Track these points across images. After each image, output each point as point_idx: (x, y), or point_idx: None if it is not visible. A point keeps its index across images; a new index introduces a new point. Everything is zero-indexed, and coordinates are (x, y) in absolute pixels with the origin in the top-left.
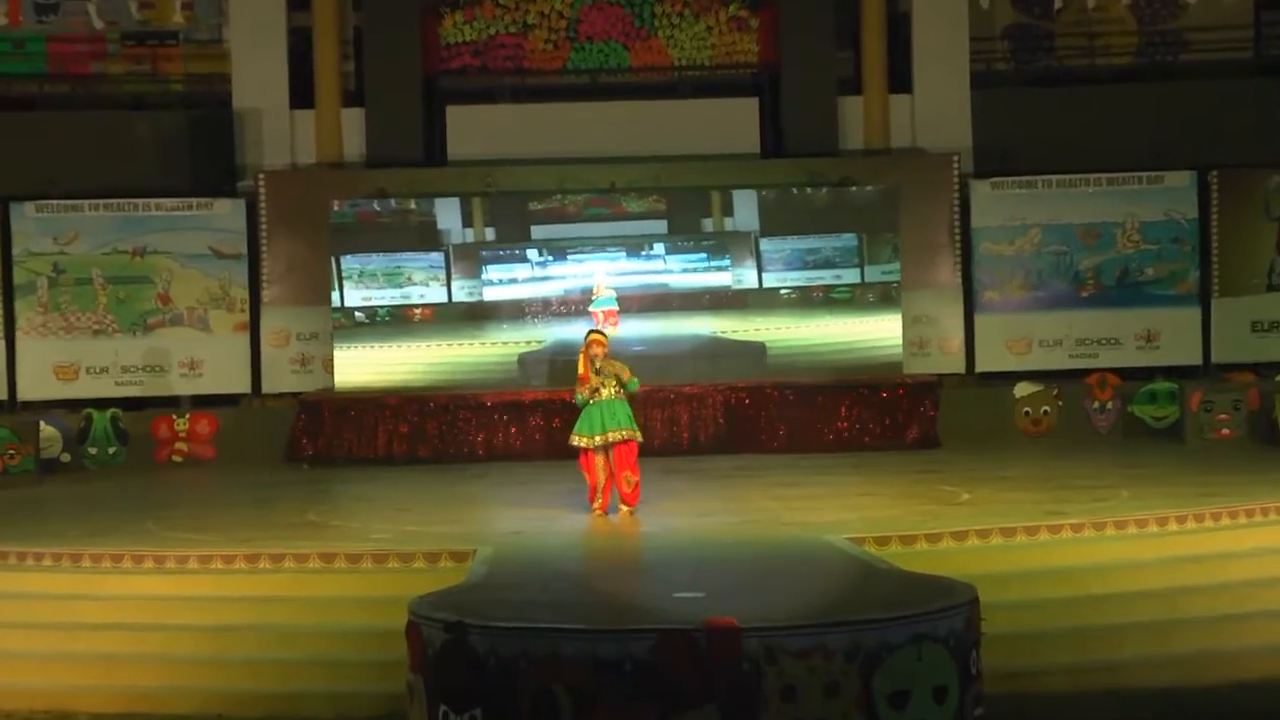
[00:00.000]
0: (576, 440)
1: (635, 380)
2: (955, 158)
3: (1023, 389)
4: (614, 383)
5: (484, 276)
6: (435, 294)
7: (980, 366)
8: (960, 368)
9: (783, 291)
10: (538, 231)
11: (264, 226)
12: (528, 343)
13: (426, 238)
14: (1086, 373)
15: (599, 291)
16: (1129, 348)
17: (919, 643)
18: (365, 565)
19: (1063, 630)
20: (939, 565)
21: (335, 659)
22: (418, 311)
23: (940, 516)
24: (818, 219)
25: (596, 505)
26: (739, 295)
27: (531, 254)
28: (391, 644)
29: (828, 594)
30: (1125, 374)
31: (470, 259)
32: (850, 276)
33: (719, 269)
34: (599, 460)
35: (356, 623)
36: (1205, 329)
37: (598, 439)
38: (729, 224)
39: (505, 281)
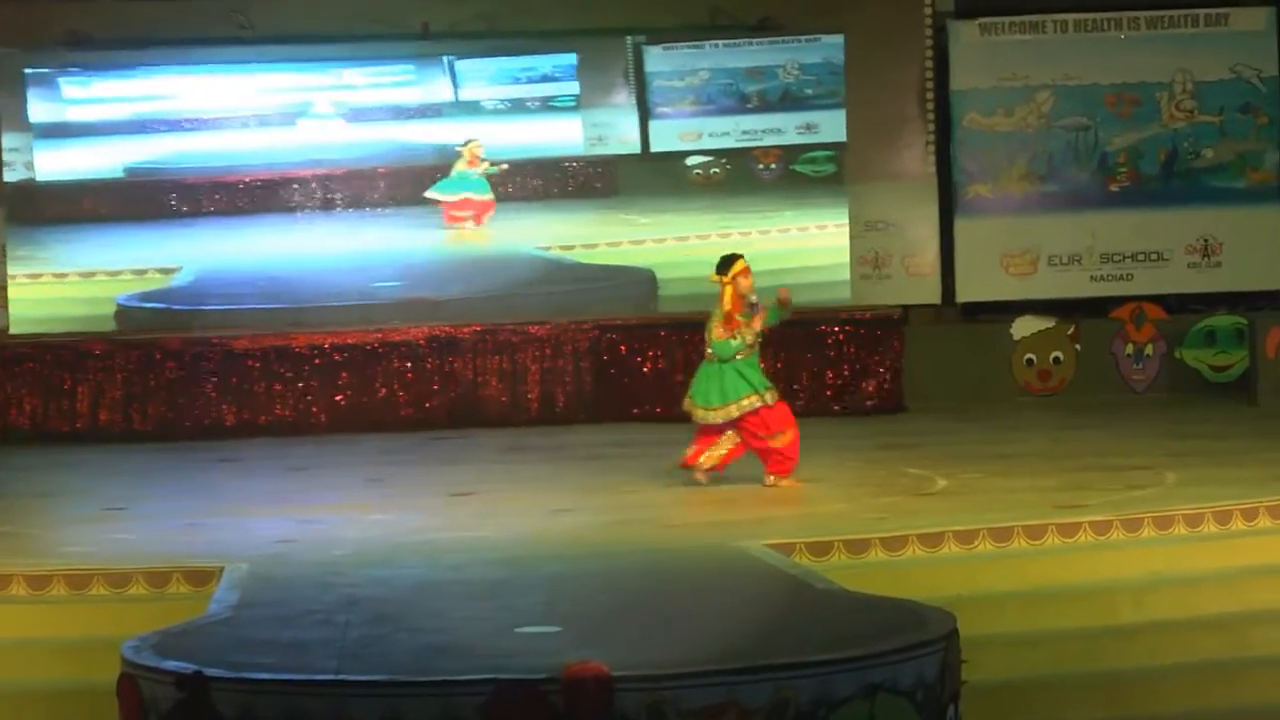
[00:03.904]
0: (702, 413)
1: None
2: None
3: (1025, 327)
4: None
5: None
6: None
7: (964, 295)
8: (935, 296)
9: (694, 169)
10: None
11: None
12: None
13: None
14: (1118, 303)
15: (470, 163)
16: (1178, 266)
17: (872, 696)
18: (56, 592)
19: (1081, 676)
20: (903, 584)
21: None
22: None
23: (905, 512)
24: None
25: (699, 467)
26: (606, 171)
27: None
28: (97, 707)
29: (742, 627)
30: (1172, 305)
31: None
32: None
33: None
34: (726, 434)
35: (44, 677)
36: None
37: (732, 408)
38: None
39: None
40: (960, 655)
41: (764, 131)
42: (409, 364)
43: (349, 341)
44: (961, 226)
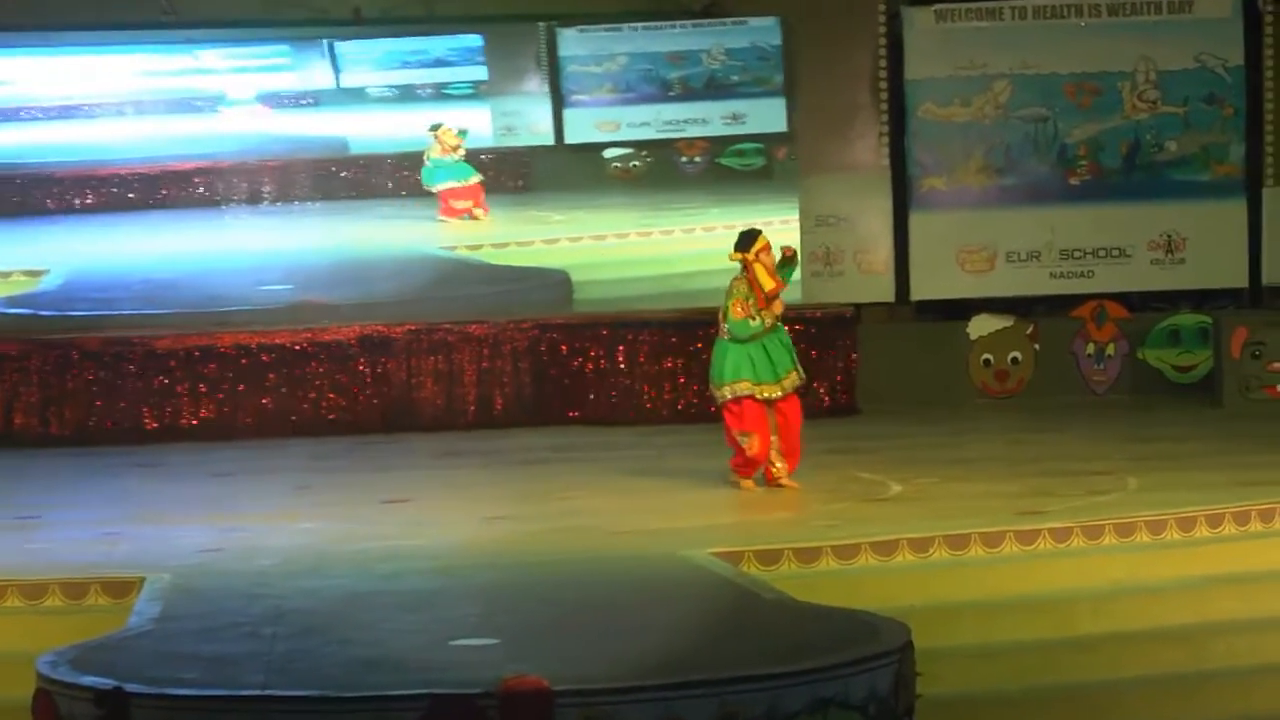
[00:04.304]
0: (749, 389)
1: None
2: None
3: (982, 326)
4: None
5: None
6: None
7: (918, 293)
8: (888, 294)
9: (612, 162)
10: None
11: None
12: None
13: None
14: (1078, 301)
15: (443, 149)
16: (1140, 263)
17: (823, 711)
18: None
19: (1040, 689)
20: (855, 594)
21: None
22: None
23: (858, 519)
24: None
25: (755, 477)
26: (517, 164)
27: None
28: None
29: (686, 640)
30: (1135, 303)
31: None
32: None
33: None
34: (767, 415)
35: None
36: (1254, 233)
37: (785, 384)
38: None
39: None
40: (915, 668)
41: (687, 122)
42: (339, 365)
43: (276, 342)
44: (916, 221)
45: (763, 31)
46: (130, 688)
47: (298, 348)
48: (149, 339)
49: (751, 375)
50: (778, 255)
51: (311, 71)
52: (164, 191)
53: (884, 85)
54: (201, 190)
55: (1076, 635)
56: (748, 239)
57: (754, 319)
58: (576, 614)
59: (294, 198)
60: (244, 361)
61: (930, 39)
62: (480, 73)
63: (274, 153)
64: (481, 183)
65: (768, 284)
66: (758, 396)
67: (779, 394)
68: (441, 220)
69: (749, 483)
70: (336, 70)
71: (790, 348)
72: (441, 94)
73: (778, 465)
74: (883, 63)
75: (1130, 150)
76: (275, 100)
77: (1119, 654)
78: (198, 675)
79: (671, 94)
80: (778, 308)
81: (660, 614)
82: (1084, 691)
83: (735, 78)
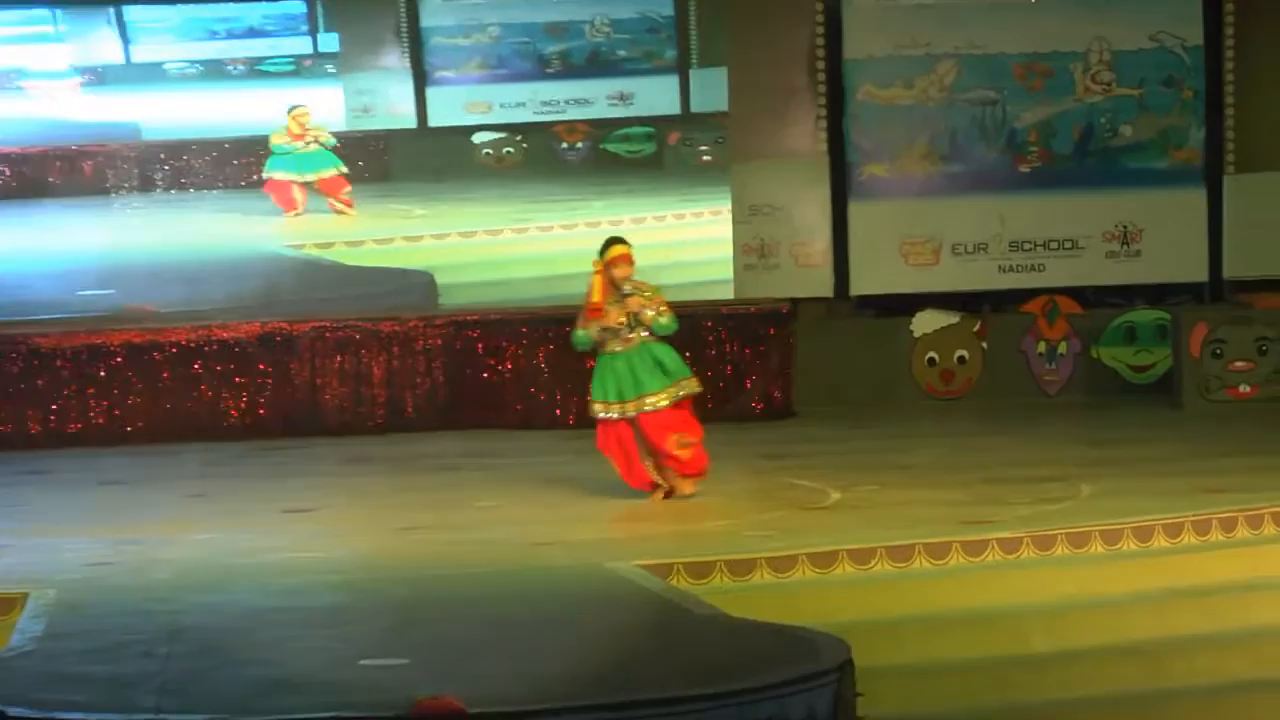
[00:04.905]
0: (596, 409)
1: (668, 318)
2: None
3: (926, 322)
4: (636, 319)
5: None
6: None
7: (858, 287)
8: (827, 288)
9: (482, 148)
10: None
11: None
12: None
13: None
14: (1029, 296)
15: (300, 133)
16: (1094, 255)
17: None
18: None
19: (988, 710)
20: (791, 609)
21: None
22: None
23: (794, 529)
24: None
25: (655, 493)
26: (374, 150)
27: None
28: None
29: (611, 658)
30: (1088, 298)
31: None
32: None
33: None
34: (626, 433)
35: None
36: (1214, 224)
37: (629, 406)
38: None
39: None
40: (856, 687)
41: (568, 102)
42: (237, 365)
43: (170, 339)
44: (856, 211)
45: (654, 1)
46: (13, 712)
47: (193, 345)
48: (31, 336)
49: (601, 391)
50: (639, 281)
51: (93, 43)
52: None
53: (821, 65)
54: None
55: (1027, 653)
56: (604, 246)
57: (581, 332)
58: (493, 631)
59: (111, 189)
60: (135, 361)
61: (870, 16)
62: (303, 45)
63: (58, 139)
64: (343, 174)
65: (594, 297)
66: (605, 415)
67: (632, 411)
68: (282, 215)
69: (653, 493)
70: (125, 42)
71: (660, 364)
72: (256, 71)
73: (665, 481)
74: (820, 41)
75: (1083, 135)
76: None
77: (1072, 672)
78: (86, 698)
79: (550, 71)
80: (612, 317)
81: (583, 631)
82: (1036, 712)
83: (622, 52)
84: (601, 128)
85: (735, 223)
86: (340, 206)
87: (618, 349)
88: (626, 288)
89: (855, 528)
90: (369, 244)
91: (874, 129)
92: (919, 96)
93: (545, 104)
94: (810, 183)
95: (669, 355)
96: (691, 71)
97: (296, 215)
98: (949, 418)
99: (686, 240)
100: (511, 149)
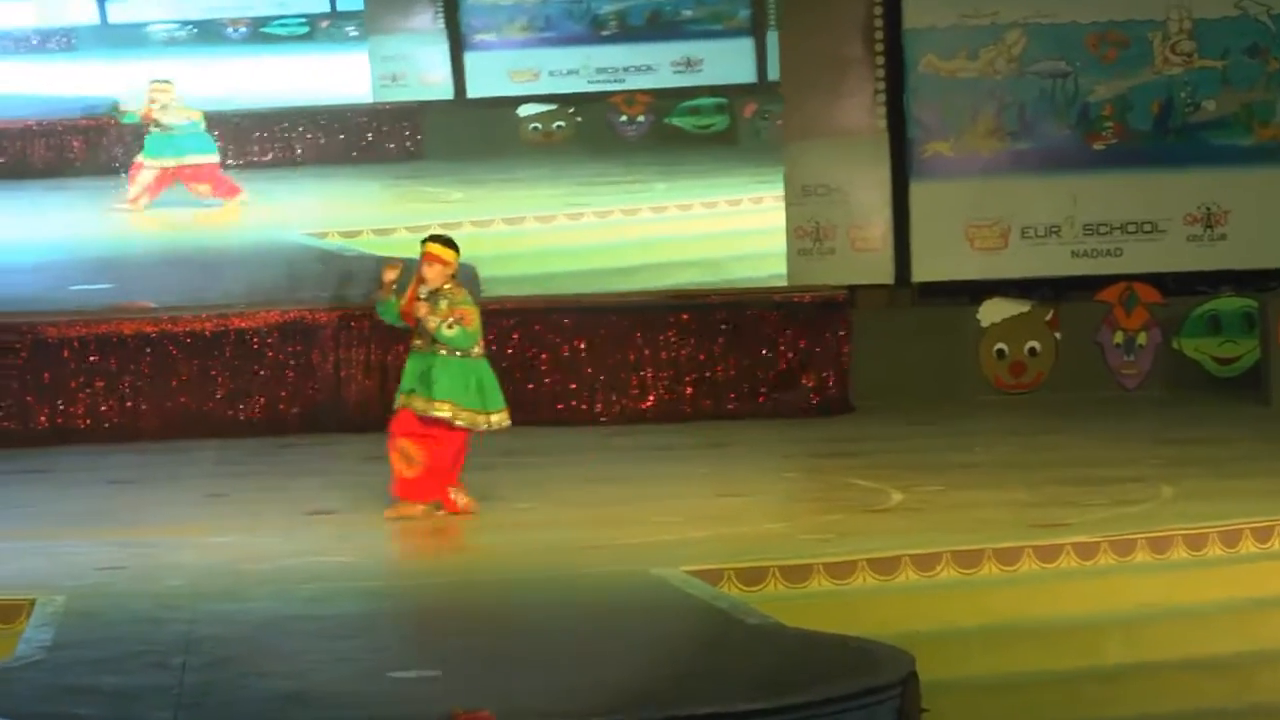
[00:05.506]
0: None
1: (465, 331)
2: None
3: (994, 311)
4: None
5: None
6: None
7: (921, 273)
8: (886, 275)
9: (529, 123)
10: None
11: None
12: None
13: None
14: (1105, 283)
15: (155, 112)
16: (1175, 239)
17: None
18: None
19: None
20: (850, 618)
21: None
22: None
23: (853, 533)
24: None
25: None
26: (404, 126)
27: None
28: None
29: (658, 671)
30: (1169, 285)
31: None
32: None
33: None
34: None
35: None
36: None
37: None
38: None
39: None
40: (920, 703)
41: (626, 70)
42: (256, 357)
43: (183, 329)
44: (917, 192)
45: None
46: None
47: (208, 335)
48: (38, 325)
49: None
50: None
51: (63, 2)
52: None
53: (880, 36)
54: None
55: (1104, 665)
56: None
57: (379, 301)
58: (531, 642)
59: (96, 170)
60: (147, 352)
61: None
62: (319, 1)
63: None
64: (217, 163)
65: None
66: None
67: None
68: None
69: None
70: (101, 1)
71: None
72: (261, 34)
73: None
74: (878, 10)
75: (1162, 110)
76: (9, 43)
77: (1152, 686)
78: (96, 711)
79: (605, 33)
80: (425, 318)
81: (627, 642)
82: None
83: (688, 11)
84: (665, 99)
85: (788, 205)
86: (202, 189)
87: (417, 344)
88: (422, 292)
89: (919, 531)
90: (400, 231)
91: (936, 103)
92: (985, 69)
93: (600, 71)
94: (868, 161)
95: (489, 381)
96: (769, 34)
97: (133, 206)
98: (1018, 413)
99: (765, 228)
100: (562, 123)
